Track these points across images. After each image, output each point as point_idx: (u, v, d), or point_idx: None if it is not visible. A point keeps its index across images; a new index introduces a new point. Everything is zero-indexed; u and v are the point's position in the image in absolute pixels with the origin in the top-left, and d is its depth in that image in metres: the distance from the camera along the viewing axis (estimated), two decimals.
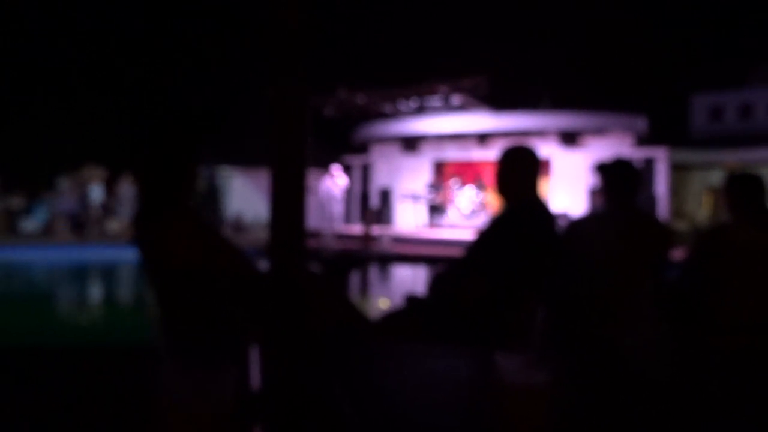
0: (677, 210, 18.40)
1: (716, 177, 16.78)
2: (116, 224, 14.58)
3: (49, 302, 7.78)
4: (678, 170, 18.87)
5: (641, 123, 14.68)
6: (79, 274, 11.07)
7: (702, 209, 15.35)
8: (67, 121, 23.18)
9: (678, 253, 2.71)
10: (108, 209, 14.87)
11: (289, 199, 1.16)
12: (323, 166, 16.68)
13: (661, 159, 14.79)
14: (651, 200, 13.64)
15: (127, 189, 13.69)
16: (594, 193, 12.73)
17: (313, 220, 14.72)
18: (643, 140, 15.18)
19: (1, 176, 17.65)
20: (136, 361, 1.20)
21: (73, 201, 13.50)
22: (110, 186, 14.38)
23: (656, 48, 25.09)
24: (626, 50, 25.36)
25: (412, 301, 2.44)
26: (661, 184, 14.65)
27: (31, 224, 15.25)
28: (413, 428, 0.93)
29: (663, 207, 14.45)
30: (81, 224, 13.72)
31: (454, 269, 2.39)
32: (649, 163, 14.49)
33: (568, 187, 14.65)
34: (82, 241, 13.18)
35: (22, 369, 1.21)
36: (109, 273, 10.81)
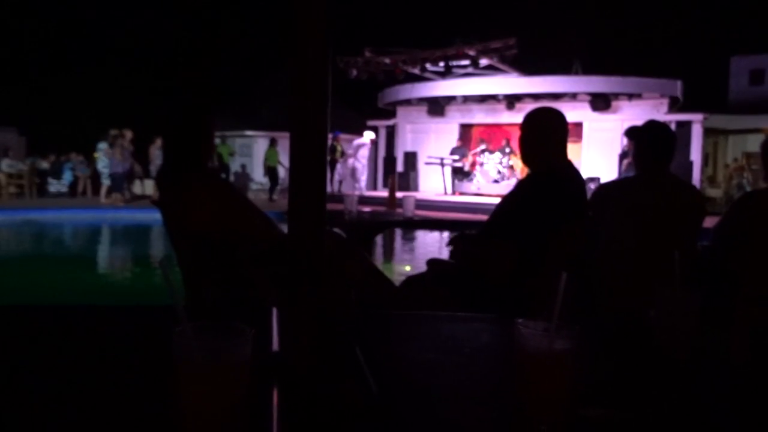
0: (712, 177, 17.91)
1: (753, 143, 16.23)
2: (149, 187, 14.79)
3: (75, 262, 8.00)
4: (715, 136, 18.27)
5: (677, 87, 14.17)
6: (106, 234, 11.34)
7: (735, 176, 14.90)
8: (94, 84, 23.45)
9: (710, 221, 2.63)
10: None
11: (309, 162, 1.14)
12: (348, 129, 16.59)
13: (697, 124, 14.32)
14: (686, 166, 13.27)
15: (157, 153, 13.79)
16: (627, 160, 12.46)
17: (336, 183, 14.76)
18: (678, 105, 14.68)
19: (27, 138, 17.96)
20: (155, 322, 1.21)
21: (126, 164, 13.57)
22: (142, 150, 14.48)
23: (693, 8, 24.00)
24: (661, 11, 24.34)
25: (434, 266, 2.43)
26: (696, 151, 14.22)
27: (58, 185, 15.56)
28: (433, 394, 0.93)
29: (698, 174, 14.06)
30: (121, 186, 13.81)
31: (478, 234, 2.37)
32: (684, 128, 14.05)
33: (600, 153, 14.34)
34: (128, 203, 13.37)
35: (43, 326, 1.24)
36: (135, 233, 11.04)
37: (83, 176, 15.31)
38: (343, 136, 15.70)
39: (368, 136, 14.60)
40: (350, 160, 14.60)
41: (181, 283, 1.79)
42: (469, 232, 2.45)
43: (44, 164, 15.80)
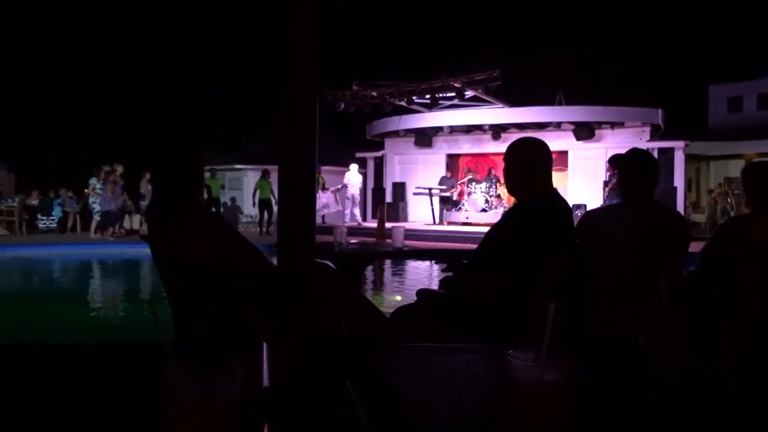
0: (695, 202, 18.15)
1: (734, 168, 16.52)
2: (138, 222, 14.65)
3: (64, 298, 7.88)
4: (696, 162, 18.59)
5: (658, 115, 14.47)
6: (96, 270, 11.20)
7: (719, 201, 15.13)
8: (83, 121, 23.52)
9: (695, 246, 2.66)
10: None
11: (298, 195, 1.15)
12: (337, 161, 16.68)
13: (679, 151, 14.58)
14: (670, 192, 13.46)
15: (147, 187, 13.67)
16: (609, 186, 12.62)
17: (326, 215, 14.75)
18: (660, 132, 14.97)
19: (16, 175, 17.89)
20: (144, 359, 1.20)
21: (119, 201, 13.41)
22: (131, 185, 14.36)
23: (672, 39, 24.71)
24: (642, 42, 25.00)
25: (424, 296, 2.43)
26: (679, 177, 14.44)
27: (47, 222, 15.41)
28: (424, 425, 0.92)
29: (681, 199, 14.24)
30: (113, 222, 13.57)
31: (467, 264, 2.37)
32: (666, 155, 14.29)
33: (585, 180, 14.52)
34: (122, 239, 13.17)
35: (28, 366, 1.22)
36: (123, 268, 10.91)
37: (73, 212, 15.18)
38: (331, 168, 15.76)
39: (355, 169, 14.72)
40: (333, 193, 14.68)
41: (170, 320, 1.77)
42: (458, 265, 2.45)
43: (33, 201, 15.68)
